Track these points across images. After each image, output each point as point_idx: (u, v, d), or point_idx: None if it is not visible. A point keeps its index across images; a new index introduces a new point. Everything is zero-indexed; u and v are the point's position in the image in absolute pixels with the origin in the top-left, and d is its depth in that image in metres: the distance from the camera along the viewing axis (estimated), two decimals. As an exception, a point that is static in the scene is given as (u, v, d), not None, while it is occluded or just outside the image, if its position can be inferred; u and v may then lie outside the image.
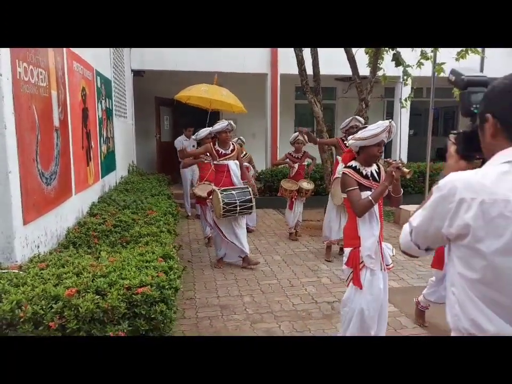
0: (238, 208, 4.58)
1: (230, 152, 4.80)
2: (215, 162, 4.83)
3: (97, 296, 1.91)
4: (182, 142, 7.87)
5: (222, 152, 4.78)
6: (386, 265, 2.79)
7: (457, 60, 5.57)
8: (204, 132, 5.48)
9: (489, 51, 7.18)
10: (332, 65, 7.26)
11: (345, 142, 4.99)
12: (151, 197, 4.61)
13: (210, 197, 4.86)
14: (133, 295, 1.95)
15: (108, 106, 5.29)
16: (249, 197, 4.70)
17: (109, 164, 5.21)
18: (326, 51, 6.48)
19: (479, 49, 5.50)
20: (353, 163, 2.76)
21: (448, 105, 12.81)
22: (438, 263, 3.23)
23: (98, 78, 4.72)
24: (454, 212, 1.10)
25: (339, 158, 5.04)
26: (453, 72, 1.42)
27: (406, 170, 2.53)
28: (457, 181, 1.11)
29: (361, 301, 2.71)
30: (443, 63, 5.69)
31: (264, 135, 9.75)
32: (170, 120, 10.43)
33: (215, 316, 3.72)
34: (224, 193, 4.58)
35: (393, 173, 2.51)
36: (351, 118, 5.12)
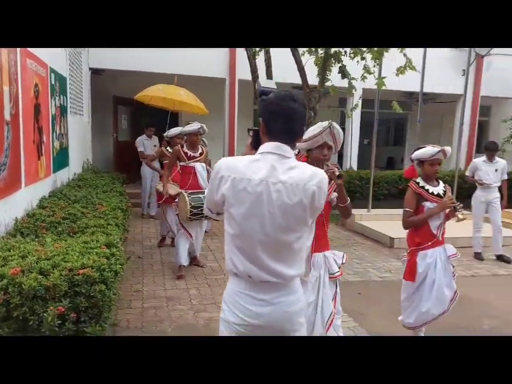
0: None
1: (198, 155, 4.81)
2: (182, 163, 4.80)
3: (40, 276, 2.09)
4: (143, 142, 7.91)
5: (190, 154, 4.77)
6: (331, 273, 2.59)
7: (397, 75, 6.08)
8: (174, 130, 5.57)
9: (428, 67, 7.78)
10: (288, 73, 7.58)
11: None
12: (102, 193, 4.73)
13: (176, 200, 4.80)
14: (74, 276, 2.14)
15: (62, 103, 5.36)
16: None
17: (61, 160, 5.28)
18: (281, 60, 6.85)
19: (416, 66, 6.00)
20: None
21: (399, 116, 13.55)
22: (411, 274, 3.11)
23: (53, 75, 4.80)
24: (217, 184, 1.59)
25: None
26: (258, 84, 2.07)
27: (337, 173, 2.44)
28: (222, 164, 1.61)
29: None
30: (384, 77, 6.17)
31: (223, 139, 10.00)
32: (128, 120, 10.46)
33: (160, 306, 3.92)
34: (192, 196, 4.52)
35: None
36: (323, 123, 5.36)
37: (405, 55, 5.90)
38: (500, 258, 5.91)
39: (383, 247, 6.48)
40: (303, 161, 2.74)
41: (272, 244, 1.57)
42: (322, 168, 2.58)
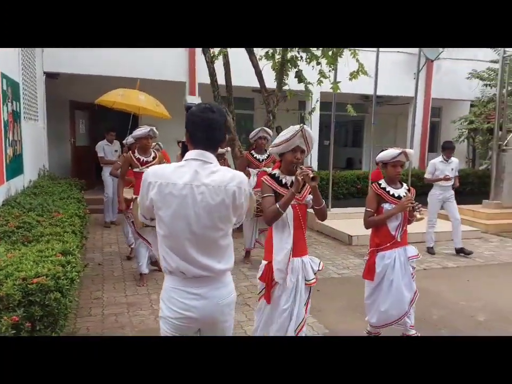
0: None
1: (151, 159, 4.69)
2: (135, 170, 4.66)
3: (-8, 287, 2.07)
4: (103, 147, 7.72)
5: (143, 159, 4.65)
6: (307, 280, 2.62)
7: (350, 79, 6.31)
8: (131, 137, 5.34)
9: (381, 72, 8.11)
10: (247, 78, 7.69)
11: (255, 155, 5.33)
12: (59, 200, 4.64)
13: (131, 207, 4.56)
14: (28, 285, 2.14)
15: (15, 109, 5.22)
16: None
17: (15, 167, 5.14)
18: (239, 64, 6.95)
19: (367, 71, 6.26)
20: (275, 171, 2.68)
21: (357, 118, 13.97)
22: (369, 273, 3.17)
23: (4, 80, 4.68)
24: (146, 191, 1.77)
25: (251, 170, 5.32)
26: (185, 101, 2.34)
27: (310, 175, 2.41)
28: (149, 171, 1.80)
29: (264, 316, 2.73)
30: (339, 82, 6.40)
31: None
32: (86, 124, 10.25)
33: (121, 313, 3.91)
34: None
35: (299, 178, 2.42)
36: (259, 128, 5.30)
37: (357, 60, 6.14)
38: (461, 251, 6.16)
39: (342, 245, 6.70)
40: (276, 166, 2.75)
41: (200, 241, 1.76)
42: (296, 171, 2.53)
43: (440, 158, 6.24)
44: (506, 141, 8.65)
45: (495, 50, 9.33)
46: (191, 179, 1.72)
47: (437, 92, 11.44)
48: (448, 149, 6.24)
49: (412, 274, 3.16)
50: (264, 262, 2.68)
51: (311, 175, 2.41)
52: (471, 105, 11.76)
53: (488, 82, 10.33)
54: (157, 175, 1.75)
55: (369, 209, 3.13)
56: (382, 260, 3.09)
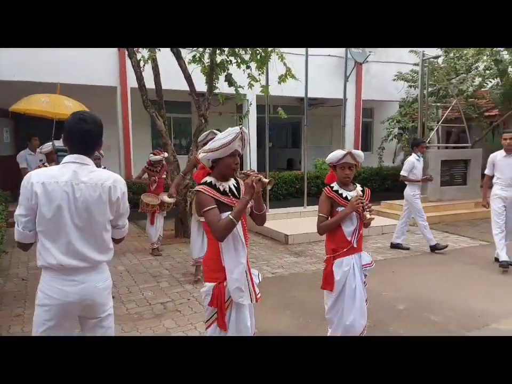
0: None
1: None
2: None
3: None
4: (26, 157, 7.16)
5: None
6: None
7: (279, 83, 6.46)
8: (47, 147, 5.11)
9: (310, 76, 8.37)
10: (176, 81, 7.60)
11: None
12: (-27, 213, 4.37)
13: None
14: None
15: None
16: None
17: None
18: (168, 68, 6.88)
19: (295, 74, 6.43)
20: (208, 178, 2.36)
21: (295, 120, 14.30)
22: (328, 283, 2.94)
23: None
24: (30, 190, 1.93)
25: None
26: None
27: (266, 180, 2.23)
28: (31, 174, 1.97)
29: None
30: (268, 86, 6.53)
31: (118, 148, 9.72)
32: (11, 133, 9.67)
33: (42, 329, 3.72)
34: None
35: (254, 184, 2.18)
36: (208, 131, 4.92)
37: (284, 64, 6.29)
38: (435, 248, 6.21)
39: (279, 245, 6.82)
40: (204, 174, 2.56)
41: (81, 234, 1.98)
42: (236, 177, 2.38)
43: (415, 156, 6.26)
44: (428, 139, 9.23)
45: (416, 54, 9.95)
46: (71, 178, 1.95)
47: (367, 94, 12.01)
48: (421, 143, 6.38)
49: (365, 282, 2.97)
50: (209, 285, 2.31)
51: (266, 179, 2.23)
52: (400, 106, 12.46)
53: (412, 84, 10.99)
54: (39, 176, 1.95)
55: (321, 215, 2.92)
56: (339, 267, 2.88)
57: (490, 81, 10.23)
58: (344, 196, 2.90)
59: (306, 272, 5.35)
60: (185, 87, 6.62)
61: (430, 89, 10.02)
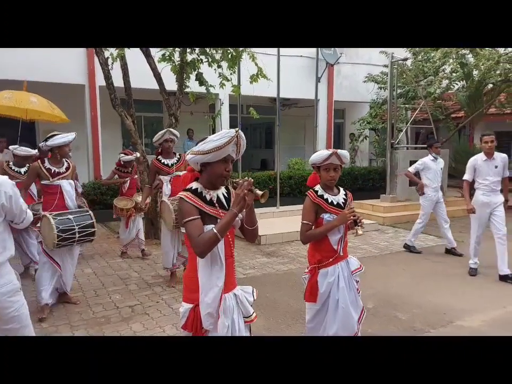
0: (77, 235, 3.88)
1: (64, 170, 4.07)
2: (44, 182, 4.01)
3: None
4: None
5: (54, 170, 4.00)
6: (246, 317, 2.13)
7: (251, 83, 6.43)
8: (23, 151, 4.88)
9: (283, 77, 8.39)
10: (146, 80, 7.48)
11: (162, 161, 4.74)
12: None
13: (38, 224, 4.06)
14: None
15: None
16: (91, 221, 4.02)
17: None
18: (138, 66, 6.75)
19: (267, 75, 6.43)
20: (194, 184, 2.07)
21: (269, 120, 14.34)
22: (312, 295, 2.77)
23: None
24: None
25: (162, 177, 4.75)
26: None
27: (259, 192, 1.96)
28: None
29: None
30: (240, 85, 6.50)
31: (87, 147, 9.48)
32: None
33: None
34: (58, 218, 3.83)
35: (245, 196, 1.92)
36: (164, 130, 4.79)
37: (256, 64, 6.27)
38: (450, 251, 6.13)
39: (251, 245, 6.79)
40: (191, 178, 2.13)
41: None
42: (227, 185, 2.13)
43: (430, 157, 6.08)
44: (397, 140, 9.43)
45: (386, 55, 10.14)
46: None
47: (339, 95, 12.16)
48: (433, 145, 6.06)
49: (358, 289, 2.80)
50: (186, 306, 2.04)
51: (259, 192, 1.95)
52: (370, 107, 12.68)
53: (382, 86, 11.19)
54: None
55: (306, 222, 2.67)
56: (324, 278, 2.70)
57: (457, 84, 10.53)
58: (330, 201, 2.67)
59: (278, 273, 5.35)
60: (156, 85, 6.52)
61: (399, 91, 10.23)
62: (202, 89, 6.46)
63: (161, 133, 4.74)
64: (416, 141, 12.34)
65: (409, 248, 6.28)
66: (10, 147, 5.09)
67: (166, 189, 4.70)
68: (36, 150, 5.09)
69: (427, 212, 6.14)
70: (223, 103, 7.86)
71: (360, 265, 2.82)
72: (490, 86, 9.93)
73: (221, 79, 6.44)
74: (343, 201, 2.75)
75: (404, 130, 9.89)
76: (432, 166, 6.03)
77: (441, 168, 6.09)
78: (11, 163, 5.04)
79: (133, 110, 6.54)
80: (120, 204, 5.71)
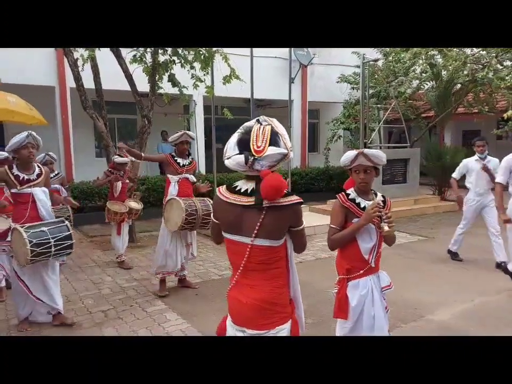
0: (53, 248, 3.51)
1: (36, 177, 3.68)
2: (13, 191, 3.63)
3: None
4: None
5: (23, 177, 3.62)
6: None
7: (224, 83, 6.43)
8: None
9: (257, 78, 8.41)
10: (117, 81, 7.37)
11: (176, 158, 4.57)
12: None
13: (8, 238, 3.72)
14: None
15: None
16: (68, 233, 3.65)
17: None
18: (109, 67, 6.65)
19: (241, 75, 6.44)
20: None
21: (243, 122, 14.31)
22: (342, 310, 2.50)
23: None
24: None
25: (170, 177, 4.56)
26: None
27: (385, 227, 2.33)
28: None
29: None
30: (212, 86, 6.49)
31: (58, 150, 9.28)
32: None
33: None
34: (31, 231, 3.44)
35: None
36: (181, 132, 4.55)
37: (229, 65, 6.27)
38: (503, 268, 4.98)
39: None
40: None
41: None
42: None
43: (475, 156, 5.43)
44: (370, 139, 9.60)
45: (358, 55, 10.30)
46: None
47: (313, 95, 12.28)
48: (475, 143, 5.41)
49: (387, 309, 2.55)
50: (287, 326, 1.84)
51: (385, 227, 2.31)
52: (343, 107, 12.87)
53: (354, 86, 11.37)
54: None
55: (333, 226, 2.46)
56: (355, 290, 2.45)
57: (427, 84, 10.81)
58: (362, 205, 2.44)
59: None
60: (129, 87, 6.44)
61: (371, 91, 10.42)
62: (176, 90, 6.43)
63: (177, 135, 4.56)
64: (389, 140, 12.59)
65: (452, 255, 5.78)
66: None
67: (173, 189, 4.54)
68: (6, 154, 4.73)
69: (468, 217, 5.53)
70: (196, 104, 7.83)
71: (390, 283, 2.56)
72: (458, 86, 10.24)
73: (194, 80, 6.42)
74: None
75: (376, 130, 10.07)
76: (473, 167, 5.38)
77: (494, 169, 5.13)
78: (14, 168, 4.55)
79: (105, 112, 6.45)
80: (114, 207, 5.51)
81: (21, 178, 3.61)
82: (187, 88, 6.39)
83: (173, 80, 6.21)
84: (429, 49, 9.15)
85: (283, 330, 1.80)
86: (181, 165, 4.59)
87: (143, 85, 6.52)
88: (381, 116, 10.88)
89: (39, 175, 3.72)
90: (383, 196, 2.55)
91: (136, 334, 3.62)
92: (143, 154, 4.84)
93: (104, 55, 6.14)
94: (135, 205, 5.74)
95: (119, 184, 5.61)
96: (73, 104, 8.99)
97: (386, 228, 2.32)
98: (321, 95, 12.34)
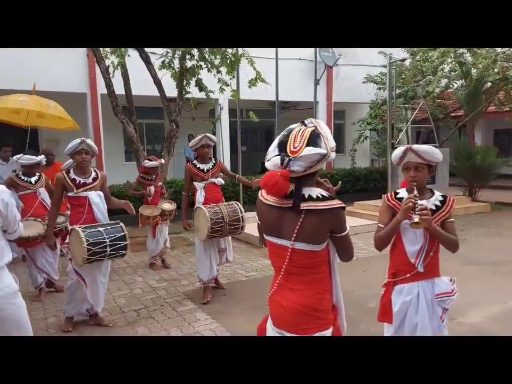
0: (109, 248, 3.58)
1: (91, 180, 3.77)
2: (70, 194, 3.75)
3: None
4: None
5: (79, 181, 3.73)
6: None
7: (249, 87, 6.52)
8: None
9: (282, 80, 8.46)
10: (147, 87, 7.56)
11: (198, 166, 4.47)
12: None
13: (67, 240, 3.79)
14: None
15: None
16: (123, 233, 3.71)
17: None
18: (139, 74, 6.85)
19: (266, 78, 6.52)
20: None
21: (269, 124, 14.42)
22: (385, 314, 2.45)
23: None
24: None
25: (196, 184, 4.49)
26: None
27: (416, 218, 2.16)
28: None
29: None
30: (238, 90, 6.59)
31: (90, 155, 9.61)
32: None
33: None
34: (88, 231, 3.55)
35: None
36: (202, 135, 4.45)
37: (254, 68, 6.35)
38: None
39: (254, 248, 6.86)
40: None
41: None
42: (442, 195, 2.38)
43: None
44: (398, 139, 9.47)
45: (385, 55, 10.20)
46: None
47: (338, 96, 12.23)
48: None
49: (442, 318, 2.36)
50: (328, 332, 1.81)
51: (416, 218, 2.15)
52: (370, 108, 12.74)
53: (381, 86, 11.25)
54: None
55: (380, 225, 2.39)
56: (399, 296, 2.36)
57: (456, 83, 10.58)
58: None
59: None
60: (157, 92, 6.61)
61: (398, 91, 10.29)
62: (202, 94, 6.56)
63: (198, 138, 4.44)
64: (417, 141, 12.37)
65: None
66: (14, 157, 4.86)
67: (200, 196, 4.46)
68: (43, 156, 4.85)
69: None
70: (222, 107, 7.96)
71: (452, 290, 2.36)
72: (489, 84, 9.98)
73: (220, 84, 6.54)
74: (435, 208, 2.32)
75: (404, 130, 9.93)
76: None
77: None
78: (20, 173, 4.76)
79: (135, 117, 6.63)
80: (146, 212, 5.46)
81: (77, 181, 3.72)
82: (213, 92, 6.50)
83: (200, 85, 6.34)
84: (457, 48, 8.96)
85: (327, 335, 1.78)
86: (205, 170, 4.50)
87: (170, 90, 6.69)
88: (409, 116, 10.71)
89: (94, 179, 3.80)
90: (442, 196, 2.38)
91: (168, 333, 3.73)
92: (184, 193, 4.66)
93: (132, 62, 6.33)
94: (168, 206, 5.67)
95: (152, 188, 5.57)
96: (103, 110, 9.30)
97: (416, 220, 2.15)
98: (347, 96, 12.27)
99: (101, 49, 6.08)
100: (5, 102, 6.04)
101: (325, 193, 1.72)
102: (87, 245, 3.45)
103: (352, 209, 9.34)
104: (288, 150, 1.63)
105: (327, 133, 1.71)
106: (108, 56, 5.86)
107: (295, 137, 1.66)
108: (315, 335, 1.75)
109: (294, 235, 1.68)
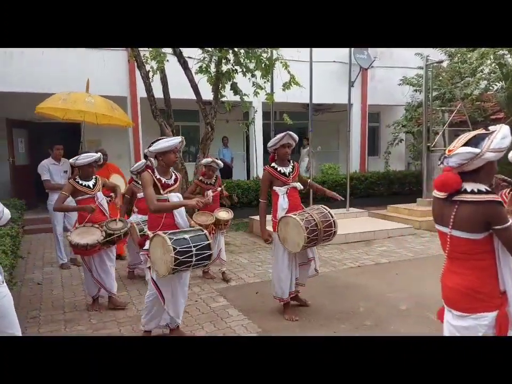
0: (194, 258, 3.17)
1: (173, 182, 3.49)
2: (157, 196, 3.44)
3: None
4: (49, 167, 6.00)
5: (165, 182, 3.43)
6: None
7: (283, 90, 6.62)
8: (86, 158, 4.24)
9: (316, 83, 8.51)
10: (184, 91, 7.79)
11: (278, 169, 4.02)
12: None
13: (146, 246, 3.36)
14: None
15: None
16: (207, 242, 3.27)
17: None
18: (177, 78, 7.09)
19: (300, 81, 6.59)
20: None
21: (302, 126, 14.43)
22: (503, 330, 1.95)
23: None
24: None
25: (277, 189, 4.00)
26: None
27: None
28: None
29: None
30: (273, 93, 6.71)
31: (129, 156, 9.98)
32: (26, 143, 9.97)
33: (57, 330, 3.90)
34: (174, 237, 3.12)
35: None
36: (283, 134, 3.99)
37: (288, 72, 6.45)
38: None
39: (285, 249, 6.93)
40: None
41: None
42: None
43: None
44: (434, 142, 9.31)
45: (421, 57, 10.03)
46: None
47: (373, 99, 12.11)
48: None
49: None
50: (490, 315, 1.90)
51: None
52: (405, 110, 12.54)
53: (417, 88, 11.06)
54: None
55: None
56: None
57: (496, 85, 10.26)
58: None
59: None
60: (193, 96, 6.82)
61: (435, 93, 10.09)
62: (237, 98, 6.72)
63: (279, 137, 3.99)
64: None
65: None
66: (70, 160, 4.43)
67: (284, 203, 3.98)
68: (100, 154, 4.48)
69: None
70: (256, 110, 8.10)
71: None
72: (531, 86, 9.62)
73: (255, 87, 6.66)
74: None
75: (440, 133, 9.73)
76: None
77: None
78: (77, 177, 4.31)
79: (172, 120, 6.87)
80: (200, 219, 4.83)
81: (162, 182, 3.42)
82: (248, 96, 6.65)
83: (235, 89, 6.50)
84: (497, 49, 8.72)
85: (485, 317, 1.91)
86: (287, 174, 4.03)
87: (206, 93, 6.89)
88: (446, 119, 10.48)
89: (175, 180, 3.54)
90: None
91: (202, 327, 3.88)
92: (262, 200, 4.14)
93: (170, 67, 6.57)
94: (224, 215, 5.14)
95: (210, 192, 4.25)
96: (142, 113, 9.65)
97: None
98: (381, 98, 12.14)
99: (142, 54, 6.35)
100: (48, 103, 6.40)
101: (483, 188, 1.88)
102: (175, 253, 3.03)
103: (386, 212, 9.26)
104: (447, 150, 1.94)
105: (498, 135, 1.88)
106: (148, 62, 6.11)
107: (459, 139, 1.92)
108: (476, 315, 1.91)
109: (451, 223, 1.94)
